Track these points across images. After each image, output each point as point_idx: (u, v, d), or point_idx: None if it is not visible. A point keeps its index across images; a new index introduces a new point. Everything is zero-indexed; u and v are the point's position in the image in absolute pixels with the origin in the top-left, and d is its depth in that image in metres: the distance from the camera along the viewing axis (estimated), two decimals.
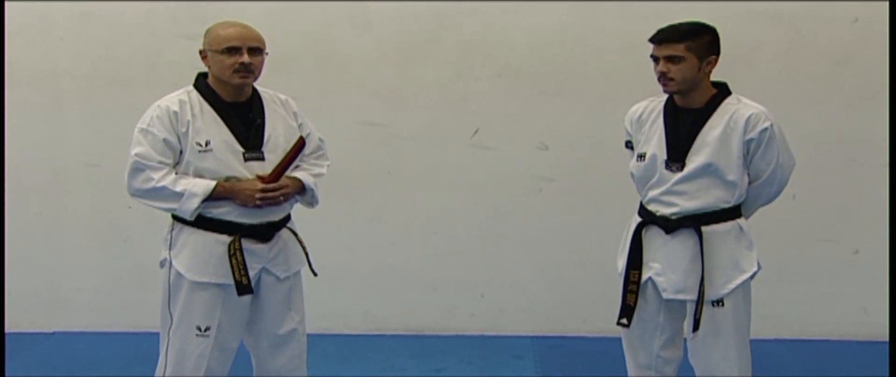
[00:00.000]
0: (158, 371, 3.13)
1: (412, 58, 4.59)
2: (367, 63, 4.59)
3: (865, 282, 4.64)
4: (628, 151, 3.30)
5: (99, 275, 4.78)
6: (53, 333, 4.77)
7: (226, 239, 3.02)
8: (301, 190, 3.16)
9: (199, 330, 3.06)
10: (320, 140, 3.30)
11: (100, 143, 4.63)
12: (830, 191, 4.60)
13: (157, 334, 3.17)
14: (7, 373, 3.72)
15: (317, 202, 3.24)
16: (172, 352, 3.09)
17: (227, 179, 3.00)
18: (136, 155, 2.96)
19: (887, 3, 4.30)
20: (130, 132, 3.00)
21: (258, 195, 2.99)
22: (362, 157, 4.65)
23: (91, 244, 4.76)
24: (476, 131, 4.65)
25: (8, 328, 4.05)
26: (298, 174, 3.16)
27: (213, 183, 2.96)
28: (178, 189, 2.94)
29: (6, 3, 4.35)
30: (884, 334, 4.43)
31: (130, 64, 4.57)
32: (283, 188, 3.05)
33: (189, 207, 2.95)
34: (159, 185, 2.94)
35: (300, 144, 3.11)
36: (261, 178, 3.01)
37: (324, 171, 3.28)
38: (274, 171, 3.04)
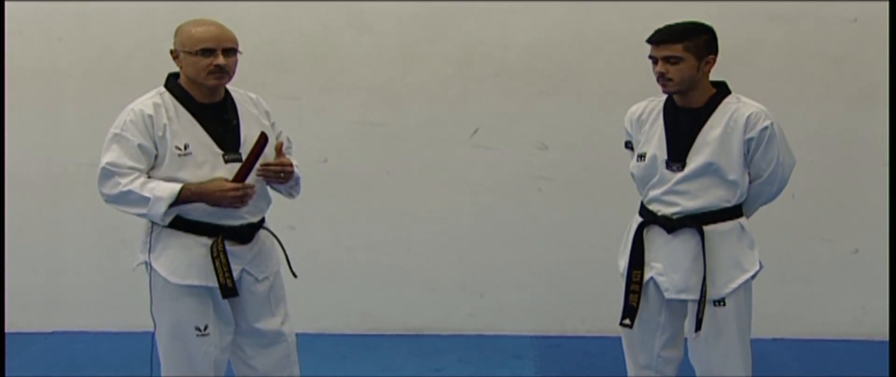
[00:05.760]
0: (163, 371, 3.11)
1: (411, 57, 4.59)
2: (366, 62, 4.58)
3: (864, 282, 4.64)
4: (628, 152, 3.30)
5: (97, 274, 4.77)
6: (52, 333, 4.76)
7: (207, 241, 2.96)
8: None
9: (199, 330, 3.03)
10: (288, 140, 3.22)
11: (98, 142, 4.49)
12: (830, 191, 4.60)
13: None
14: (5, 373, 3.71)
15: (298, 192, 3.19)
16: (173, 355, 3.06)
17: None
18: (106, 163, 2.91)
19: (885, 3, 4.30)
20: None
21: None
22: (361, 157, 4.64)
23: (89, 244, 4.75)
24: (475, 131, 4.65)
25: (6, 328, 4.04)
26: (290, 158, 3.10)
27: (179, 186, 2.86)
28: (145, 193, 2.86)
29: (5, 3, 4.34)
30: (882, 333, 4.42)
31: (128, 63, 4.56)
32: (285, 166, 3.00)
33: (158, 212, 2.87)
34: (126, 189, 2.88)
35: (263, 140, 2.97)
36: (226, 180, 2.92)
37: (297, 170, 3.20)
38: (239, 171, 2.93)
